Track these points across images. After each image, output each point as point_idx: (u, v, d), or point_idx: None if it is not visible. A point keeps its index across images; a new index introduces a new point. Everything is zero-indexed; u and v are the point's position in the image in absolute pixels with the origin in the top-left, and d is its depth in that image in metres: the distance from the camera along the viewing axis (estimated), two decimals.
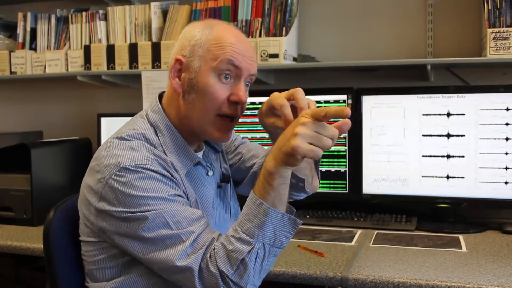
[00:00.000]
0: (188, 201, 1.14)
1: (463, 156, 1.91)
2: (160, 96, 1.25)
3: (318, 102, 2.02)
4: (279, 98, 1.11)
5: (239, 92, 1.15)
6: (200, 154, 1.25)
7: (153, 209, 1.03)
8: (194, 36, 1.15)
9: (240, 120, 1.23)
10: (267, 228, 1.01)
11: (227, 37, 1.14)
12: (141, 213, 1.03)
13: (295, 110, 1.08)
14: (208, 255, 1.02)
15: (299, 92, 1.10)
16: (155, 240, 1.03)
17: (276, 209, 1.01)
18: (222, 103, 1.14)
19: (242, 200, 1.41)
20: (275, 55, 2.10)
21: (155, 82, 2.24)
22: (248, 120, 2.15)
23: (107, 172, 1.06)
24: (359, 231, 1.89)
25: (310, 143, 0.96)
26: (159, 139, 1.16)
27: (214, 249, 1.03)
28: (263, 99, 2.00)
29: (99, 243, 1.13)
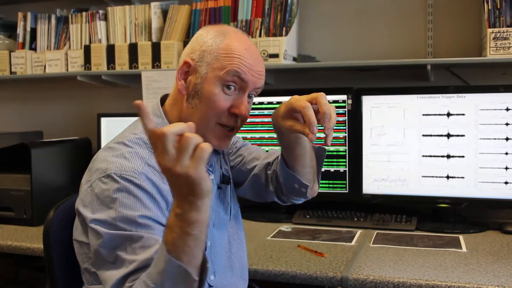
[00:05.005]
0: (160, 225, 1.03)
1: (463, 156, 1.91)
2: (162, 99, 1.24)
3: None
4: (300, 100, 1.11)
5: (240, 105, 1.14)
6: None
7: (114, 229, 0.99)
8: (206, 42, 1.14)
9: None
10: (166, 277, 0.88)
11: (237, 48, 1.13)
12: (100, 229, 1.00)
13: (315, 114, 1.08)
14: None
15: (322, 96, 1.10)
16: (106, 257, 1.00)
17: (178, 259, 0.87)
18: (222, 113, 1.14)
19: (242, 202, 1.41)
20: (275, 55, 2.10)
21: (155, 82, 2.24)
22: (247, 120, 2.14)
23: (95, 175, 1.08)
24: (359, 231, 1.89)
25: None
26: None
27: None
28: (262, 99, 2.01)
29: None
